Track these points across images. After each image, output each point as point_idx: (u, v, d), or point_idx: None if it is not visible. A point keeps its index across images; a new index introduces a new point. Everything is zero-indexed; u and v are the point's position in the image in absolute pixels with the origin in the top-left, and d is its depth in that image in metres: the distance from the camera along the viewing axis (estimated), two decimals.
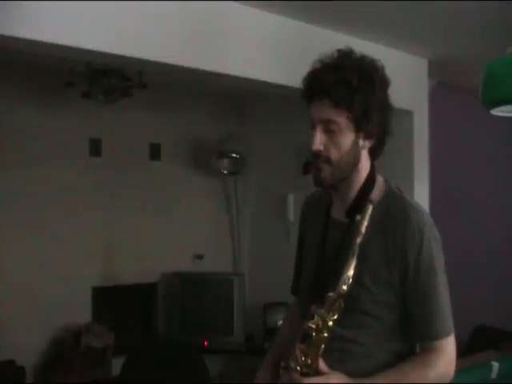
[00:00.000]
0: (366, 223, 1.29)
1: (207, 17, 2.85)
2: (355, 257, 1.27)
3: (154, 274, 4.58)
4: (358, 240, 1.28)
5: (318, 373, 1.30)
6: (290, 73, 3.05)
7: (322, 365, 1.30)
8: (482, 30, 3.32)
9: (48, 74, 3.96)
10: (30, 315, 3.95)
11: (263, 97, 4.55)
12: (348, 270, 1.27)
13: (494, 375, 2.50)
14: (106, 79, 3.64)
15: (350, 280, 1.27)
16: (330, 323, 1.28)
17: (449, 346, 1.36)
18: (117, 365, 3.40)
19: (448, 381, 1.37)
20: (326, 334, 1.28)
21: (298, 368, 1.29)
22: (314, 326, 1.27)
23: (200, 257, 4.81)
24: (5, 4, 2.15)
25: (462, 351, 3.24)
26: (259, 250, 4.85)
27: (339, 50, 1.39)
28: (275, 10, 3.07)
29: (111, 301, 4.42)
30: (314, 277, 1.47)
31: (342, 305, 1.28)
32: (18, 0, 2.20)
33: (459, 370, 2.49)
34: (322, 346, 1.29)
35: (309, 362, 1.29)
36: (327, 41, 3.26)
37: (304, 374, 1.29)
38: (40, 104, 4.09)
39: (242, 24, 3.01)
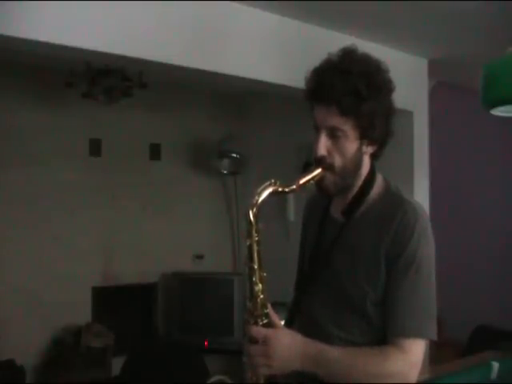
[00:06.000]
0: (305, 179, 1.32)
1: (207, 17, 2.85)
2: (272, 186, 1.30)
3: (153, 273, 4.58)
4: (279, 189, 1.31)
5: (270, 325, 1.31)
6: (290, 73, 3.06)
7: (275, 319, 1.31)
8: (482, 30, 3.32)
9: (48, 74, 3.96)
10: (30, 315, 3.95)
11: (263, 97, 4.55)
12: (260, 196, 1.29)
13: (494, 375, 2.50)
14: (106, 79, 3.64)
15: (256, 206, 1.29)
16: (255, 266, 1.31)
17: (415, 349, 1.29)
18: (117, 365, 3.41)
19: (406, 382, 1.30)
20: (254, 278, 1.31)
21: (249, 319, 1.32)
22: (248, 273, 1.32)
23: (200, 257, 4.81)
24: (5, 4, 2.15)
25: (462, 351, 3.25)
26: None
27: (344, 50, 1.36)
28: (275, 10, 3.07)
29: (111, 301, 4.42)
30: (307, 271, 1.47)
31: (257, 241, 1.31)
32: (18, 0, 2.20)
33: (459, 370, 2.50)
34: (260, 286, 1.30)
35: (253, 310, 1.31)
36: (327, 41, 3.26)
37: (255, 324, 1.31)
38: (40, 104, 4.09)
39: (243, 24, 3.01)
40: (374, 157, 1.43)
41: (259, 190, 1.29)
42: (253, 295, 1.31)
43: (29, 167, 4.03)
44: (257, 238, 1.31)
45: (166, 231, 4.64)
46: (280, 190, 1.30)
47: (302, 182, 1.32)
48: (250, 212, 1.29)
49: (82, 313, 4.19)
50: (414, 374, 1.31)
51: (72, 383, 3.85)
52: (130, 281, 4.47)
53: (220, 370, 4.20)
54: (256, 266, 1.31)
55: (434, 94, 4.26)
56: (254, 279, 1.31)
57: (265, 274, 1.32)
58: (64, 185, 4.17)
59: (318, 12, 3.08)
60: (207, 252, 4.86)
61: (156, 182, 4.65)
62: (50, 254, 4.09)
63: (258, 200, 1.29)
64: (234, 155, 4.66)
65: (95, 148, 4.35)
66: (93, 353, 3.95)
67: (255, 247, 1.31)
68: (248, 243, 1.31)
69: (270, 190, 1.29)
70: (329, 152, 1.34)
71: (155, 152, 4.68)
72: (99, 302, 4.34)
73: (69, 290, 4.13)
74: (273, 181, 1.30)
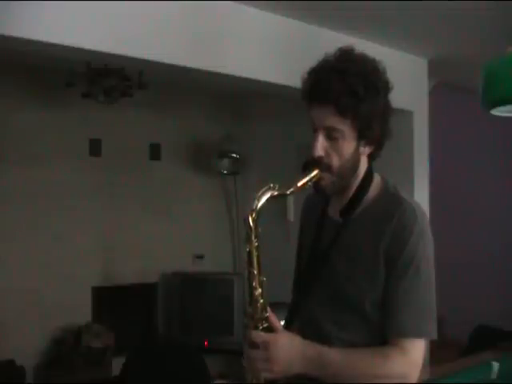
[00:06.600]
0: (303, 181, 1.31)
1: (207, 17, 2.85)
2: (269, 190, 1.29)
3: (154, 273, 4.59)
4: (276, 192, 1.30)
5: (270, 329, 1.31)
6: (290, 73, 3.05)
7: (275, 323, 1.31)
8: (482, 30, 3.32)
9: (48, 74, 3.96)
10: (30, 315, 3.96)
11: (263, 97, 4.55)
12: (259, 200, 1.28)
13: (494, 375, 2.49)
14: (106, 79, 3.64)
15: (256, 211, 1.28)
16: (255, 271, 1.31)
17: (415, 349, 1.30)
18: (117, 365, 3.40)
19: (406, 383, 1.30)
20: (254, 283, 1.31)
21: (250, 323, 1.32)
22: (247, 277, 1.32)
23: (200, 257, 4.81)
24: (5, 4, 2.15)
25: (462, 351, 3.24)
26: None
27: (341, 50, 1.36)
28: (275, 9, 3.07)
29: (111, 301, 4.42)
30: (306, 272, 1.47)
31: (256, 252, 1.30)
32: (18, 0, 2.20)
33: (459, 370, 2.50)
34: (260, 290, 1.30)
35: (253, 314, 1.31)
36: (327, 41, 3.26)
37: (255, 328, 1.31)
38: (40, 104, 4.09)
39: (243, 24, 3.01)
40: (371, 157, 1.43)
41: (258, 194, 1.29)
42: (253, 300, 1.31)
43: (29, 167, 4.03)
44: (256, 244, 1.31)
45: (165, 231, 4.64)
46: (279, 193, 1.30)
47: (300, 184, 1.32)
48: (250, 217, 1.29)
49: (82, 313, 4.19)
50: (415, 374, 1.31)
51: (72, 383, 3.85)
52: (130, 281, 4.47)
53: (220, 370, 4.21)
54: (256, 271, 1.31)
55: (433, 94, 4.27)
56: (253, 284, 1.31)
57: (264, 279, 1.32)
58: (64, 185, 4.17)
59: (319, 12, 3.08)
60: (207, 252, 4.86)
61: (156, 182, 4.65)
62: (50, 253, 4.09)
63: (257, 205, 1.28)
64: (234, 155, 4.66)
65: (95, 148, 4.36)
66: (93, 353, 3.95)
67: (255, 252, 1.31)
68: (248, 249, 1.31)
69: (269, 194, 1.29)
70: (326, 152, 1.34)
71: (155, 152, 4.68)
72: (99, 301, 4.34)
73: (69, 290, 4.13)
74: (271, 185, 1.30)
